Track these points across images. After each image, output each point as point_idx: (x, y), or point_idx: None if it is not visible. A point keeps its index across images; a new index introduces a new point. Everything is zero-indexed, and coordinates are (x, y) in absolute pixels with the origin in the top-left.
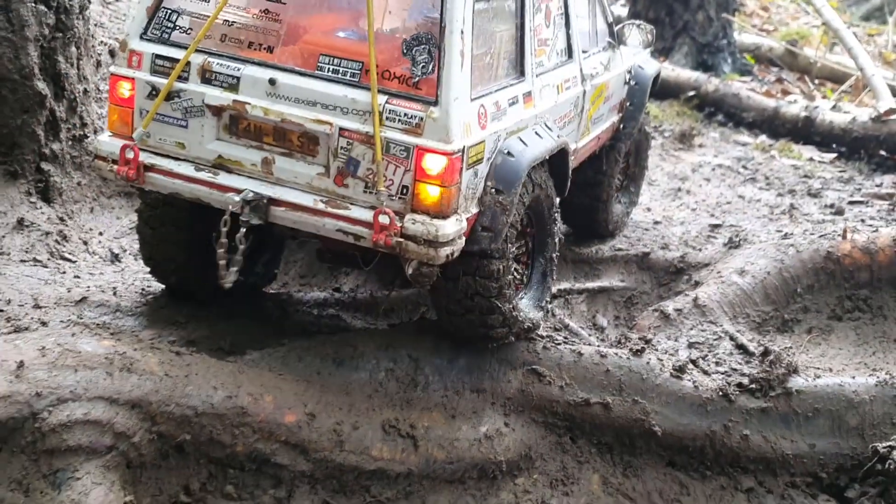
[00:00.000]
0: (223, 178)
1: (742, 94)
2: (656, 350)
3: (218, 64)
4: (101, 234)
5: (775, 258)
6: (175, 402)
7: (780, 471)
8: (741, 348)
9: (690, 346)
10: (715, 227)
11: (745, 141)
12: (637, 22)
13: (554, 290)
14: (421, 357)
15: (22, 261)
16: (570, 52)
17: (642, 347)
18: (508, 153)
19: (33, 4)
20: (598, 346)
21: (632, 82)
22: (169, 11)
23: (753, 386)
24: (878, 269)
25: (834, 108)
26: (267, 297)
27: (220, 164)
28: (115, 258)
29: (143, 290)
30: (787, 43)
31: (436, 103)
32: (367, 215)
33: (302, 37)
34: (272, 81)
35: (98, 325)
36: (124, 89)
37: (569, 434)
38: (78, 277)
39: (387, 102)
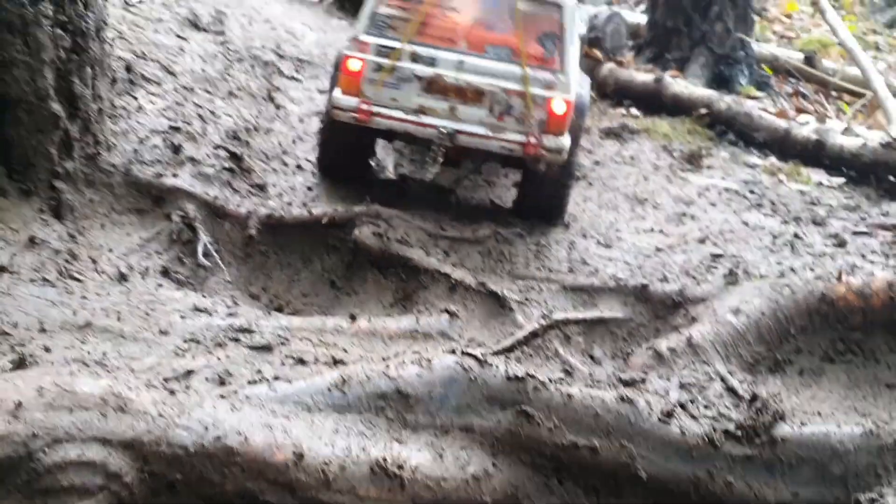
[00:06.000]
0: (425, 119)
1: (754, 113)
2: (647, 392)
3: (422, 50)
4: (110, 250)
5: (770, 297)
6: (167, 442)
7: None
8: (731, 391)
9: (682, 387)
10: (716, 256)
11: (755, 163)
12: None
13: (552, 318)
14: (411, 394)
15: (31, 280)
16: None
17: (631, 394)
18: (579, 93)
19: (50, 28)
20: (590, 385)
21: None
22: (380, 16)
23: (739, 433)
24: (872, 312)
25: (846, 131)
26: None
27: (421, 110)
28: (123, 278)
29: (146, 313)
30: (804, 54)
31: (562, 72)
32: (519, 138)
33: (472, 32)
34: (460, 63)
35: (96, 361)
36: (356, 65)
37: (556, 476)
38: (85, 298)
39: (531, 72)
